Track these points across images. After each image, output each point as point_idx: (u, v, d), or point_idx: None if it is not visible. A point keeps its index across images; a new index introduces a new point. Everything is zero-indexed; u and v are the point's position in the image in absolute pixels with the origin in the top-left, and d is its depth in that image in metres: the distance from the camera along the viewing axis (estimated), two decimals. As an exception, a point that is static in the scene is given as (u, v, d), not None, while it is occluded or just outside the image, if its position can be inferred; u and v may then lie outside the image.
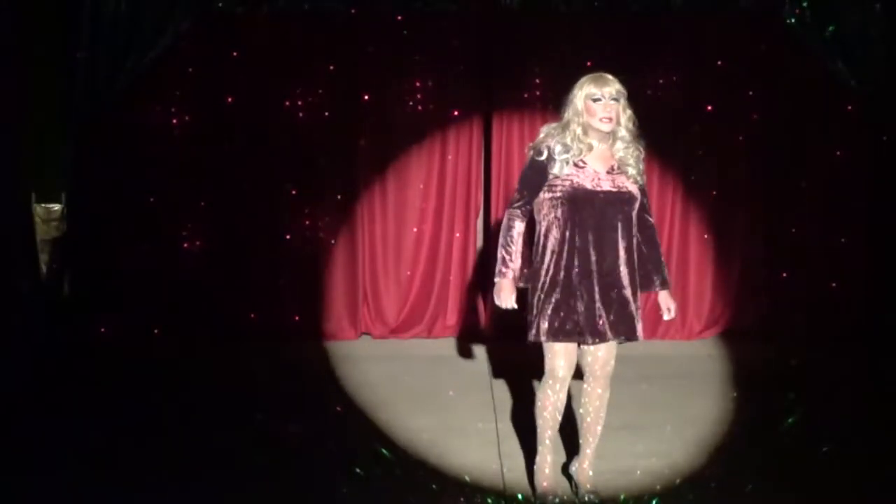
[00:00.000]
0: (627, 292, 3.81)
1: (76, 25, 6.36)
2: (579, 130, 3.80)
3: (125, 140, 6.58)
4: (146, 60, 6.43)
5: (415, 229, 6.75)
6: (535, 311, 3.82)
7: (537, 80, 6.62)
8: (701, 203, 6.73)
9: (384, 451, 4.52)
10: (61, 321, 6.48)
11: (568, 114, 3.84)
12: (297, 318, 6.78)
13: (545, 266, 3.82)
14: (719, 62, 6.62)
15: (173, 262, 6.66)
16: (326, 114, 6.68)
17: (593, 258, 3.78)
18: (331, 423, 4.91)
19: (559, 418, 3.91)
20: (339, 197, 6.74)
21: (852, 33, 6.45)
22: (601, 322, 3.78)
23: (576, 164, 3.80)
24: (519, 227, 3.88)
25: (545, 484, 3.93)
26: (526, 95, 6.63)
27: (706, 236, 6.74)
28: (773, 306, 6.69)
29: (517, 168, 6.69)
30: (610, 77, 3.86)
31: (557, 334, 3.78)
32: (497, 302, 3.87)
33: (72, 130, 6.51)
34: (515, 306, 3.85)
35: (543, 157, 3.81)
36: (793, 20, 6.48)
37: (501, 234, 3.91)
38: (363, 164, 6.73)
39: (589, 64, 6.55)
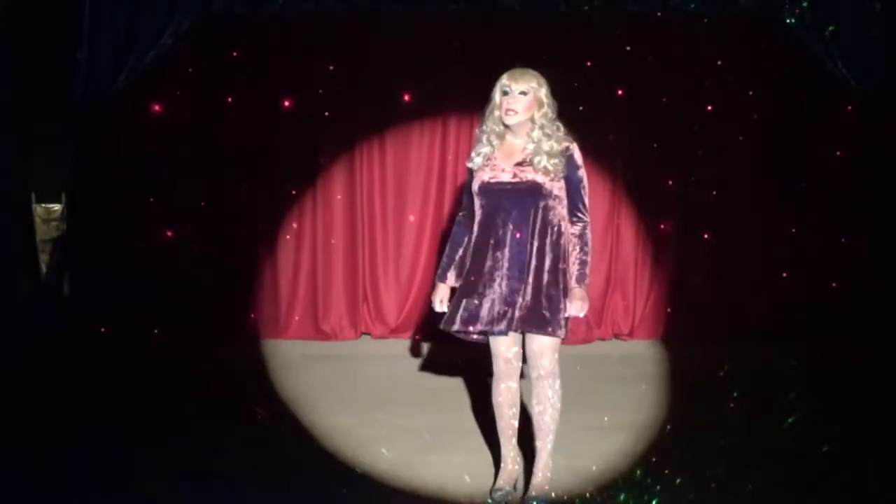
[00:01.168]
0: (528, 284, 3.78)
1: (76, 25, 6.37)
2: (495, 126, 3.88)
3: (125, 140, 6.58)
4: (146, 60, 6.44)
5: (415, 229, 6.75)
6: (452, 304, 3.91)
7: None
8: (701, 203, 6.72)
9: (384, 451, 4.51)
10: (61, 321, 6.49)
11: (489, 108, 3.91)
12: (297, 318, 6.79)
13: (467, 260, 3.92)
14: (719, 62, 6.62)
15: (173, 261, 6.66)
16: (326, 114, 6.69)
17: (493, 251, 3.82)
18: (331, 423, 4.90)
19: (513, 413, 3.97)
20: (339, 197, 6.75)
21: (852, 33, 6.45)
22: (506, 314, 3.79)
23: (489, 158, 3.88)
24: (462, 231, 4.00)
25: (500, 481, 3.98)
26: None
27: (706, 236, 6.75)
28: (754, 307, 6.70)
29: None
30: (529, 72, 3.91)
31: (462, 324, 3.84)
32: (431, 304, 4.04)
33: (72, 130, 6.52)
34: (445, 309, 3.97)
35: (471, 157, 3.93)
36: (793, 20, 6.49)
37: (449, 240, 4.08)
38: (363, 164, 6.74)
39: (589, 64, 6.61)
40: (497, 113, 3.86)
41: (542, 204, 3.81)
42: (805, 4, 6.45)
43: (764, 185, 6.70)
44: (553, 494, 3.92)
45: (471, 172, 3.94)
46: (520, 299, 3.79)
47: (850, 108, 6.61)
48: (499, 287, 3.80)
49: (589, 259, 3.89)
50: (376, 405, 5.22)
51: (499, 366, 3.94)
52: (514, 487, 4.02)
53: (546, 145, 3.81)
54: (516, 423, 4.02)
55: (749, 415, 4.86)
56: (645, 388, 5.50)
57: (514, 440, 4.04)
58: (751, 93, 6.65)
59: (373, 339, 6.81)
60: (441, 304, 4.01)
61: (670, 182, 6.71)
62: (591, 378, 5.71)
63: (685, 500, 3.91)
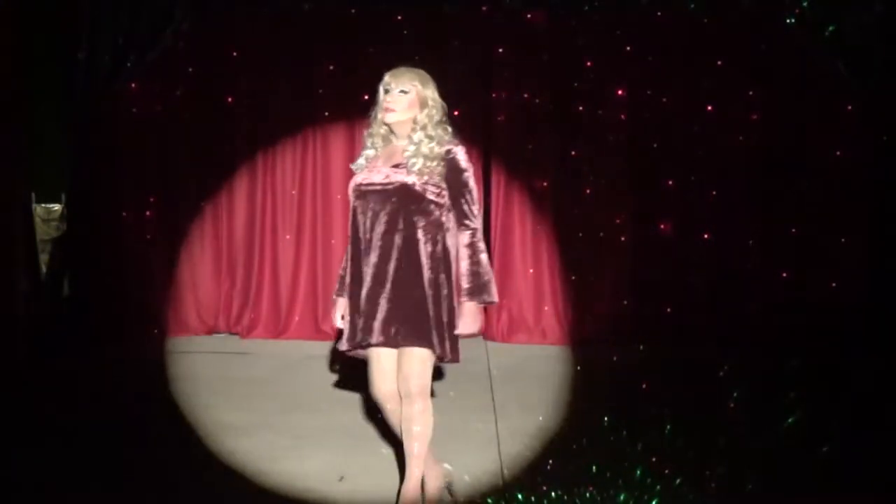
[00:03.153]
0: (385, 293, 3.49)
1: (76, 25, 6.37)
2: (378, 127, 3.67)
3: (125, 140, 6.58)
4: (146, 60, 6.43)
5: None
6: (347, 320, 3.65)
7: (537, 80, 6.63)
8: (701, 203, 6.72)
9: (384, 450, 4.52)
10: (61, 321, 6.49)
11: (375, 108, 3.70)
12: (297, 318, 6.79)
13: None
14: (719, 62, 6.63)
15: (173, 261, 6.67)
16: (326, 114, 6.69)
17: (365, 256, 3.56)
18: (331, 423, 4.90)
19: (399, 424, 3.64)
20: (339, 196, 6.75)
21: (852, 33, 6.45)
22: (373, 326, 3.50)
23: (371, 160, 3.65)
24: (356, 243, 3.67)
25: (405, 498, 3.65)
26: (526, 95, 6.64)
27: (705, 236, 6.75)
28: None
29: (517, 168, 6.71)
30: (413, 70, 3.73)
31: (347, 342, 3.61)
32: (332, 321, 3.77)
33: (72, 130, 6.52)
34: (340, 325, 3.68)
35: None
36: (793, 20, 6.49)
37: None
38: (363, 164, 6.73)
39: (589, 64, 6.61)
40: (381, 115, 3.64)
41: (412, 207, 3.52)
42: (805, 4, 6.46)
43: (764, 185, 6.70)
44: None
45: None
46: (381, 310, 3.49)
47: (850, 108, 6.62)
48: (366, 297, 3.52)
49: (482, 270, 3.54)
50: (376, 405, 5.21)
51: (377, 384, 3.64)
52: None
53: (426, 147, 3.55)
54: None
55: (754, 414, 4.86)
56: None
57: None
58: (751, 93, 6.65)
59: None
60: (343, 320, 3.68)
61: (670, 182, 6.71)
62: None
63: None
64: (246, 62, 6.59)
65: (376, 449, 4.53)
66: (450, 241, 3.58)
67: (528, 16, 6.61)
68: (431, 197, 3.54)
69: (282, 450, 4.45)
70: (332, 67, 6.63)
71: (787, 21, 6.50)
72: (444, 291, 3.54)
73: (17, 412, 5.09)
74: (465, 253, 3.57)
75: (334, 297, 3.77)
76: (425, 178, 3.53)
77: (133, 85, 6.50)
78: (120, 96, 6.50)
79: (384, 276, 3.51)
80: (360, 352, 3.67)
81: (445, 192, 3.57)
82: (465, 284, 3.55)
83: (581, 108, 6.63)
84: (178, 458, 4.46)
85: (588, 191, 6.69)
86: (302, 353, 6.41)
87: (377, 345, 3.55)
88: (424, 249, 3.53)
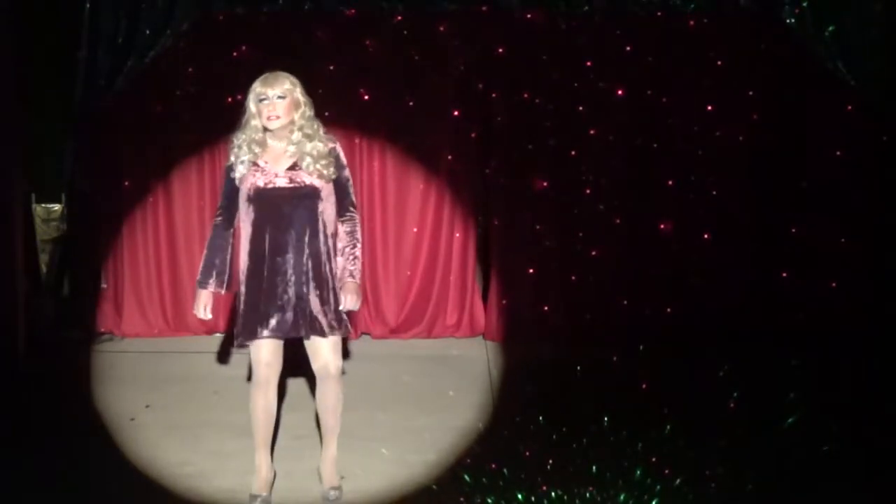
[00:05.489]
0: (313, 288, 3.86)
1: (76, 25, 6.37)
2: (254, 134, 3.89)
3: (125, 140, 6.58)
4: (146, 60, 6.43)
5: (415, 229, 6.75)
6: (237, 314, 3.95)
7: (537, 80, 6.62)
8: (701, 203, 6.72)
9: (384, 450, 4.52)
10: (61, 321, 6.49)
11: (245, 117, 3.93)
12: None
13: (241, 268, 3.94)
14: (719, 62, 6.62)
15: (173, 261, 6.67)
16: (326, 114, 6.65)
17: (272, 256, 3.86)
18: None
19: (271, 421, 4.04)
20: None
21: (852, 33, 6.45)
22: (282, 319, 3.87)
23: (255, 164, 3.89)
24: (220, 235, 4.02)
25: (257, 486, 4.00)
26: (526, 95, 6.63)
27: (705, 236, 6.74)
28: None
29: (517, 168, 6.71)
30: (281, 75, 3.96)
31: (248, 335, 3.90)
32: (194, 311, 4.03)
33: (72, 130, 6.52)
34: (209, 316, 4.04)
35: (229, 164, 3.95)
36: (793, 20, 6.49)
37: (206, 246, 4.08)
38: (363, 163, 6.73)
39: (588, 64, 6.61)
40: (254, 122, 3.88)
41: (319, 208, 3.89)
42: (805, 4, 6.46)
43: (764, 185, 6.70)
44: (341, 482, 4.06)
45: (232, 180, 3.95)
46: (308, 304, 3.86)
47: (850, 108, 6.61)
48: (284, 293, 3.86)
49: (359, 254, 4.00)
50: (376, 405, 5.22)
51: (260, 372, 3.97)
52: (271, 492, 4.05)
53: (308, 146, 3.87)
54: (272, 430, 4.08)
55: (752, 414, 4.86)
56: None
57: (269, 446, 4.08)
58: (751, 93, 6.65)
59: (372, 339, 6.80)
60: (205, 310, 4.00)
61: (670, 182, 6.71)
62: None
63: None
64: (246, 62, 6.58)
65: (376, 449, 4.54)
66: (334, 231, 3.97)
67: (528, 16, 6.60)
68: (328, 194, 3.93)
69: (282, 450, 4.44)
70: (332, 67, 6.62)
71: (788, 21, 6.50)
72: (334, 278, 3.94)
73: (17, 412, 5.09)
74: (351, 240, 3.99)
75: (199, 288, 4.01)
76: (325, 178, 3.88)
77: (133, 85, 6.49)
78: (120, 96, 6.50)
79: (305, 273, 3.86)
80: (237, 341, 3.97)
81: (332, 189, 3.95)
82: (350, 266, 3.96)
83: (581, 108, 6.63)
84: (178, 458, 4.47)
85: (588, 191, 6.69)
86: (301, 353, 6.40)
87: (305, 337, 3.92)
88: (325, 243, 3.91)
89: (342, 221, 4.00)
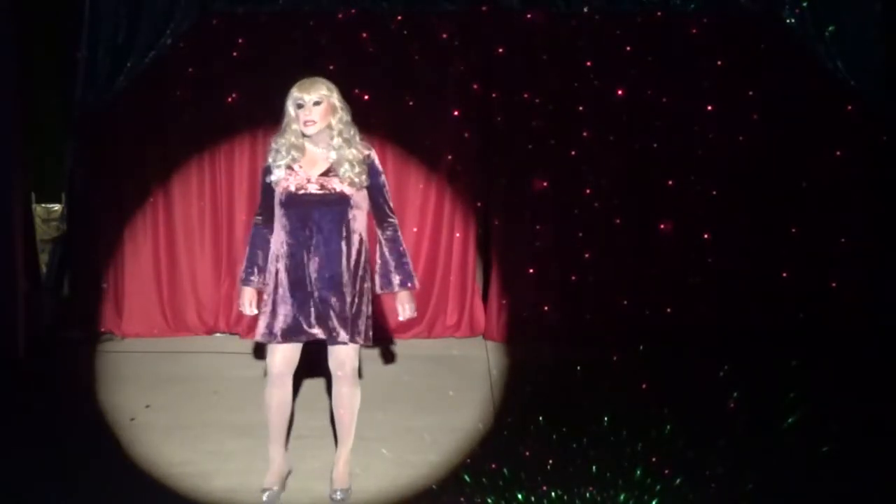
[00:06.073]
0: (339, 294, 3.92)
1: (76, 25, 6.37)
2: (293, 137, 3.94)
3: (125, 140, 6.58)
4: (146, 60, 6.43)
5: (415, 229, 6.75)
6: (262, 313, 4.01)
7: (537, 80, 6.63)
8: (701, 203, 6.72)
9: (384, 450, 4.52)
10: (61, 321, 6.49)
11: (285, 120, 3.97)
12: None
13: (271, 270, 4.00)
14: (719, 62, 6.63)
15: (173, 261, 6.67)
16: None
17: (303, 260, 3.92)
18: (331, 423, 4.90)
19: (286, 415, 4.09)
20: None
21: (852, 33, 6.46)
22: (310, 323, 3.93)
23: (290, 168, 3.93)
24: (260, 234, 4.09)
25: (269, 478, 4.05)
26: (526, 95, 6.63)
27: (705, 236, 6.74)
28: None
29: (517, 168, 6.71)
30: (318, 80, 3.99)
31: (273, 335, 3.95)
32: (240, 307, 4.12)
33: (72, 131, 6.52)
34: (255, 311, 4.07)
35: (267, 166, 3.99)
36: (793, 20, 6.50)
37: (248, 243, 4.18)
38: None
39: (588, 63, 6.61)
40: (294, 126, 3.93)
41: (349, 214, 3.94)
42: (805, 4, 6.46)
43: (764, 185, 6.70)
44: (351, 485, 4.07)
45: (269, 183, 3.99)
46: (332, 309, 3.91)
47: (850, 108, 6.62)
48: (310, 298, 3.92)
49: (408, 259, 4.09)
50: (376, 405, 5.22)
51: (276, 367, 4.01)
52: (284, 487, 4.10)
53: (348, 153, 3.93)
54: (286, 425, 4.14)
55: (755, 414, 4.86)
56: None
57: (283, 440, 4.14)
58: (751, 93, 6.65)
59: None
60: (250, 306, 4.08)
61: (670, 182, 6.71)
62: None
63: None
64: (246, 62, 6.58)
65: (376, 449, 4.54)
66: (364, 238, 4.01)
67: (528, 16, 6.61)
68: (360, 201, 3.98)
69: (282, 450, 4.44)
70: (332, 67, 6.62)
71: (788, 21, 6.50)
72: (367, 285, 4.02)
73: (17, 412, 5.10)
74: (394, 247, 4.08)
75: (242, 286, 4.10)
76: (356, 185, 3.93)
77: (133, 85, 6.49)
78: (120, 96, 6.49)
79: (332, 279, 3.91)
80: (261, 339, 4.01)
81: (366, 196, 4.01)
82: (398, 275, 4.06)
83: (581, 108, 6.63)
84: (179, 458, 4.47)
85: (588, 191, 6.69)
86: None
87: (329, 341, 3.95)
88: (356, 250, 3.96)
89: (383, 229, 4.08)
